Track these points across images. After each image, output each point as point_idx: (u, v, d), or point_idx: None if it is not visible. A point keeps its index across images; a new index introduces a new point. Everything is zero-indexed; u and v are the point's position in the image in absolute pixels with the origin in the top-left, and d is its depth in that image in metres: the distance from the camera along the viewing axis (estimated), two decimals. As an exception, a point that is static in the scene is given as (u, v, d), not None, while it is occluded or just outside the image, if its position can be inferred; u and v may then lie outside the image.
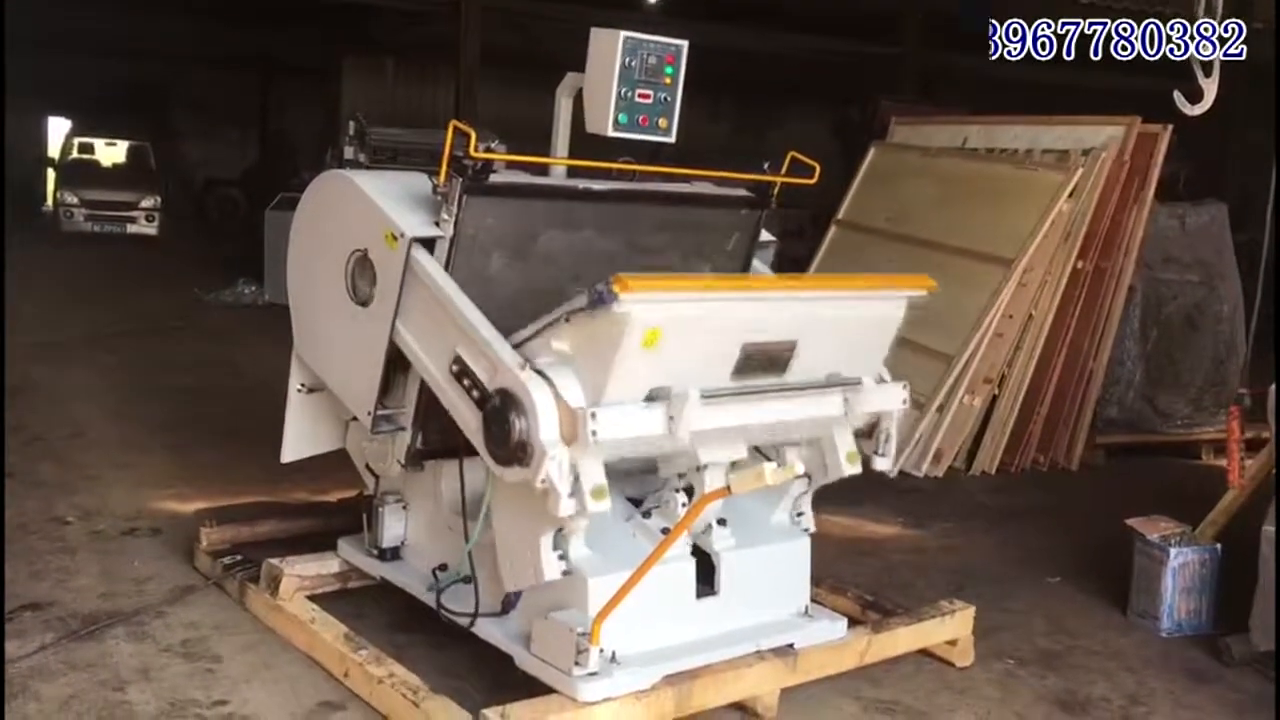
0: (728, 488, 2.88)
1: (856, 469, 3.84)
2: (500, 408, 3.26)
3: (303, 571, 4.21)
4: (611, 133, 3.61)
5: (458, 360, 3.44)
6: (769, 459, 3.64)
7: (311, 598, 4.21)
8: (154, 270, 14.89)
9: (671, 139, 3.74)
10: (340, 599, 4.30)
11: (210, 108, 23.05)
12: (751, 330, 3.45)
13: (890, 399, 3.84)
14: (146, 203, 18.42)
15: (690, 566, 3.62)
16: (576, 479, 3.15)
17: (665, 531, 3.61)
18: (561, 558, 3.37)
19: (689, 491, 3.65)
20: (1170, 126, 7.11)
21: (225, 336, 10.37)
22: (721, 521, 3.73)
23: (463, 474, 3.73)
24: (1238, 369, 8.08)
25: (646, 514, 3.69)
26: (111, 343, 9.57)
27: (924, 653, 4.21)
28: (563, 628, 3.35)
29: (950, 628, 4.18)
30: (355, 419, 4.05)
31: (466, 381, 3.41)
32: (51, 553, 4.78)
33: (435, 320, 3.53)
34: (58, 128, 22.05)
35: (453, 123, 3.44)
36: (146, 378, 8.29)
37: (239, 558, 4.52)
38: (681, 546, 3.60)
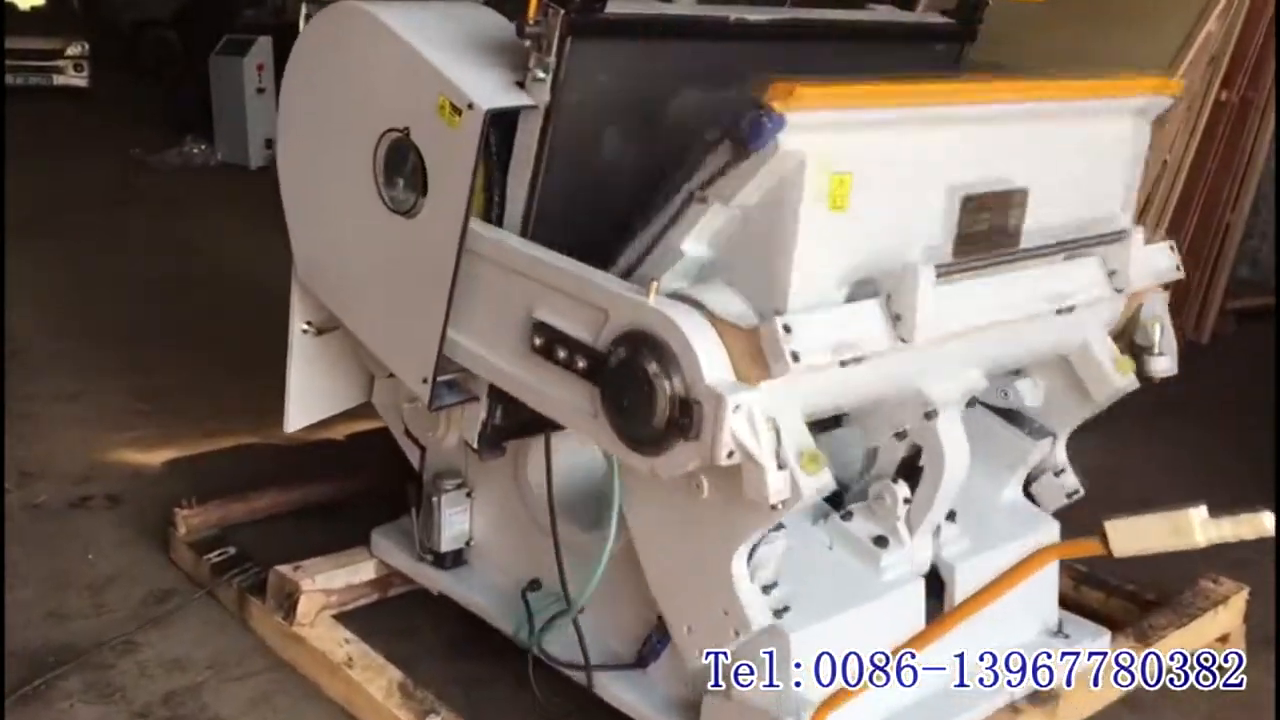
0: (1104, 541, 1.63)
1: (1130, 380, 2.71)
2: (628, 362, 2.04)
3: (328, 584, 3.02)
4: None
5: (540, 328, 2.21)
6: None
7: (341, 614, 3.05)
8: (89, 129, 13.24)
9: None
10: (380, 611, 3.15)
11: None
12: (962, 169, 2.26)
13: (1159, 260, 2.74)
14: (73, 50, 16.53)
15: (919, 589, 2.46)
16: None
17: (879, 542, 2.44)
18: (766, 589, 2.19)
19: (909, 466, 2.44)
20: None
21: (178, 208, 8.92)
22: (951, 516, 2.55)
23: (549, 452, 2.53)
24: (1385, 215, 6.93)
25: (846, 515, 2.49)
26: (50, 223, 8.13)
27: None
28: (761, 717, 2.19)
29: (1224, 620, 3.09)
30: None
31: (562, 353, 2.18)
32: (-21, 545, 3.57)
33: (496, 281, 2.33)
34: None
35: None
36: (93, 269, 6.91)
37: (232, 552, 3.32)
38: (904, 553, 2.44)
